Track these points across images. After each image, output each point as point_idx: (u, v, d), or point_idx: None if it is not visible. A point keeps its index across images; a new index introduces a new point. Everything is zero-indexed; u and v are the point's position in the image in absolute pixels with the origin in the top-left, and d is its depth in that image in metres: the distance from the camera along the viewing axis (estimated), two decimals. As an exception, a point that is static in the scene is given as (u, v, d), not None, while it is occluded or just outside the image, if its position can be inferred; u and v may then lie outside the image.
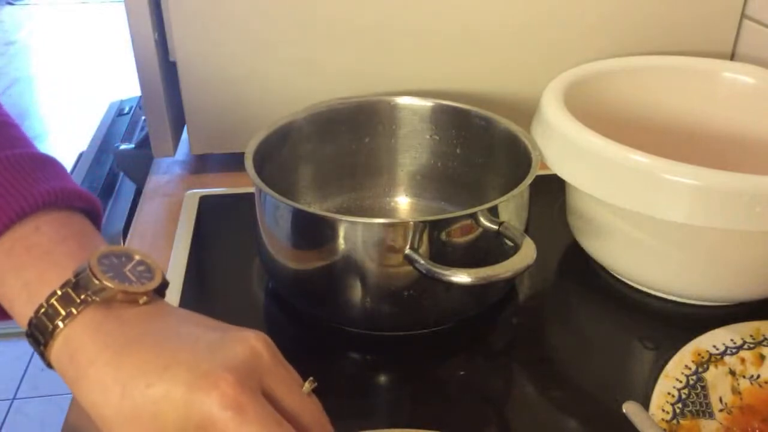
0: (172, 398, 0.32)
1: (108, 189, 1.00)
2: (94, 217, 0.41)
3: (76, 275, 0.35)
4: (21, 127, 0.43)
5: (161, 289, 0.38)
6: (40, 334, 0.35)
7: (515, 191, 0.52)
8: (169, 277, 0.60)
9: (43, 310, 0.35)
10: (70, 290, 0.35)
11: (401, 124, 0.67)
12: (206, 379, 0.32)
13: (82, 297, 0.34)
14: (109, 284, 0.35)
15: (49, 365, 0.36)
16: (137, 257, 0.37)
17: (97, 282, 0.34)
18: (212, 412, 0.32)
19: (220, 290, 0.60)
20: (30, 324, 0.35)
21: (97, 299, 0.35)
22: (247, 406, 0.32)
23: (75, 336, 0.34)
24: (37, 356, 0.37)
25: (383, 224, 0.50)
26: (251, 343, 0.35)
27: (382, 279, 0.51)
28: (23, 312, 0.36)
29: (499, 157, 0.63)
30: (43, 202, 0.37)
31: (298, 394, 0.36)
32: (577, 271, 0.62)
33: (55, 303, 0.35)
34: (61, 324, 0.34)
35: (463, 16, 0.72)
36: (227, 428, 0.32)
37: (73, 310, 0.34)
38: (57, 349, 0.35)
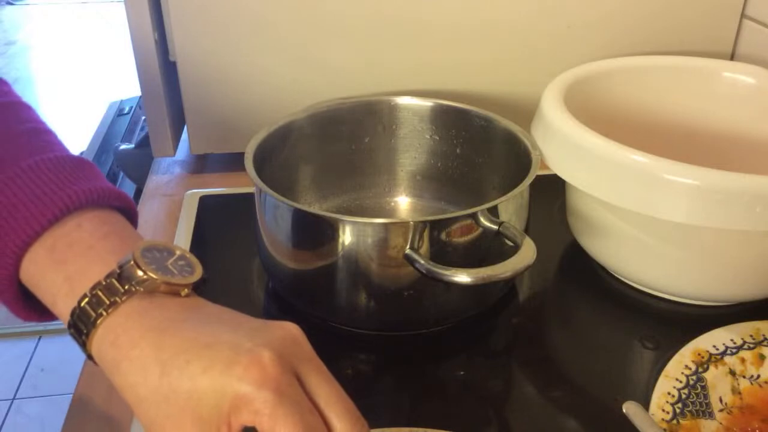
0: (210, 374, 0.32)
1: (108, 189, 1.00)
2: (130, 216, 0.42)
3: (120, 266, 0.36)
4: (49, 127, 0.44)
5: (200, 284, 0.38)
6: (82, 324, 0.35)
7: (515, 191, 0.52)
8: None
9: (86, 299, 0.35)
10: (114, 280, 0.35)
11: (401, 124, 0.67)
12: (248, 356, 0.32)
13: (126, 287, 0.35)
14: (152, 275, 0.35)
15: (89, 355, 0.36)
16: (178, 252, 0.38)
17: (141, 273, 0.35)
18: (248, 391, 0.32)
19: (220, 290, 0.60)
20: (73, 314, 0.36)
21: (141, 289, 0.35)
22: (286, 388, 0.32)
23: (118, 323, 0.35)
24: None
25: (383, 224, 0.50)
26: (292, 331, 0.36)
27: (382, 279, 0.51)
28: (66, 303, 0.36)
29: (499, 158, 0.63)
30: (84, 200, 0.38)
31: (334, 385, 0.35)
32: (577, 271, 0.62)
33: (99, 293, 0.35)
34: (104, 313, 0.35)
35: (463, 16, 0.72)
36: (262, 409, 0.31)
37: (117, 300, 0.35)
38: (99, 336, 0.35)
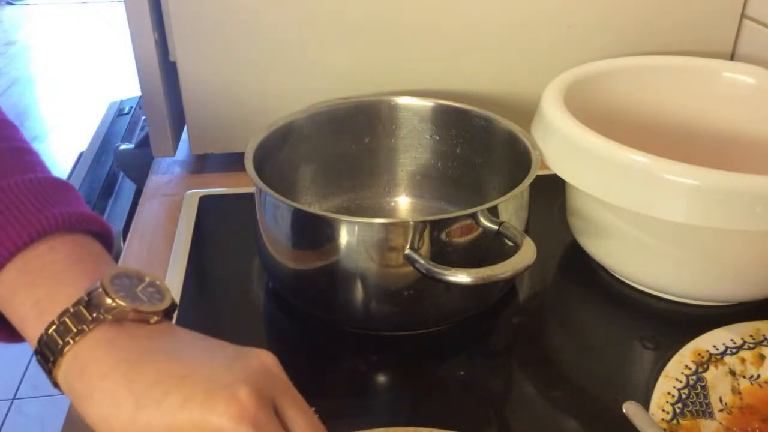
0: (189, 407, 0.32)
1: (108, 189, 1.00)
2: (106, 242, 0.41)
3: (89, 294, 0.35)
4: (33, 147, 0.44)
5: (170, 311, 0.38)
6: (49, 351, 0.35)
7: (515, 191, 0.52)
8: (169, 277, 0.60)
9: (54, 327, 0.35)
10: (82, 308, 0.35)
11: (401, 124, 0.67)
12: (226, 390, 0.32)
13: (94, 315, 0.35)
14: (121, 303, 0.35)
15: (55, 384, 0.36)
16: (148, 278, 0.38)
17: (109, 300, 0.35)
18: (228, 427, 0.32)
19: (220, 290, 0.60)
20: (40, 341, 0.35)
21: (109, 317, 0.35)
22: (264, 424, 0.32)
23: (86, 352, 0.34)
24: None
25: (383, 224, 0.50)
26: (267, 362, 0.36)
27: (382, 279, 0.51)
28: (34, 328, 0.35)
29: (499, 157, 0.63)
30: (60, 223, 0.38)
31: (310, 415, 0.36)
32: (577, 271, 0.62)
33: (67, 320, 0.35)
34: (71, 341, 0.34)
35: (463, 16, 0.72)
36: None
37: (85, 328, 0.34)
38: (66, 365, 0.35)
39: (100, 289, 0.35)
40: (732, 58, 0.78)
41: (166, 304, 0.37)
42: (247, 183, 0.54)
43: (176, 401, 0.32)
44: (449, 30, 0.72)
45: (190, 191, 0.73)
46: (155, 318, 0.36)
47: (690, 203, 0.49)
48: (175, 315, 0.54)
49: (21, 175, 0.39)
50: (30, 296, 0.36)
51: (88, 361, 0.34)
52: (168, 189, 0.76)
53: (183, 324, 0.55)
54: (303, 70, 0.73)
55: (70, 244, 0.38)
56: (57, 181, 0.41)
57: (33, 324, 0.36)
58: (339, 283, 0.52)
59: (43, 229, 0.37)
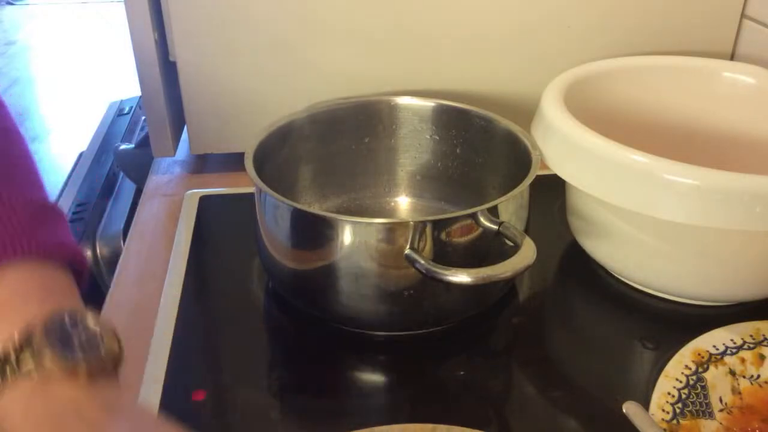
0: None
1: (108, 189, 1.00)
2: (79, 273, 0.39)
3: (15, 341, 0.33)
4: (30, 164, 0.42)
5: (116, 362, 0.35)
6: None
7: (515, 191, 0.52)
8: (169, 277, 0.60)
9: None
10: (11, 355, 0.33)
11: (401, 124, 0.67)
12: None
13: (19, 367, 0.33)
14: (47, 361, 0.32)
15: None
16: (90, 322, 0.35)
17: (35, 356, 0.33)
18: None
19: (220, 290, 0.60)
20: None
21: (35, 372, 0.32)
22: None
23: (4, 407, 0.33)
24: None
25: (383, 224, 0.50)
26: None
27: (382, 279, 0.51)
28: None
29: (499, 157, 0.63)
30: (12, 253, 0.36)
31: None
32: (577, 271, 0.62)
33: None
34: None
35: (463, 16, 0.72)
36: None
37: (9, 378, 0.33)
38: None
39: (29, 337, 0.33)
40: (732, 58, 0.78)
41: (98, 357, 0.34)
42: (247, 183, 0.54)
43: None
44: (449, 30, 0.72)
45: (190, 191, 0.73)
46: (83, 376, 0.33)
47: (690, 203, 0.49)
48: (174, 323, 0.54)
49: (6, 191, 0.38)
50: None
51: (4, 415, 0.32)
52: (168, 189, 0.76)
53: (183, 323, 0.55)
54: (303, 70, 0.73)
55: (23, 275, 0.36)
56: (34, 203, 0.39)
57: None
58: (339, 283, 0.52)
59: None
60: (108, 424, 0.33)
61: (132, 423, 0.34)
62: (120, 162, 0.99)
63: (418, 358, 0.53)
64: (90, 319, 0.35)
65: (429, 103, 0.66)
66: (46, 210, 0.39)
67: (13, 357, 0.33)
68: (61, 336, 0.34)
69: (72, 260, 0.39)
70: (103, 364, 0.34)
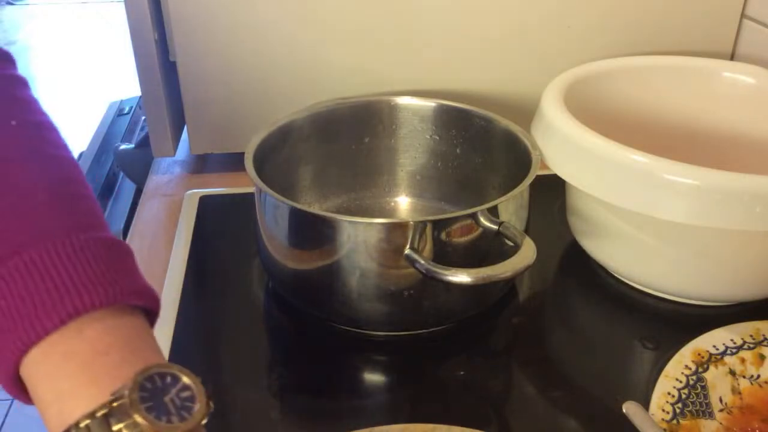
0: None
1: (108, 189, 1.00)
2: (152, 313, 0.38)
3: (112, 401, 0.32)
4: (94, 198, 0.40)
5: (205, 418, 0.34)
6: None
7: (515, 191, 0.52)
8: (169, 277, 0.60)
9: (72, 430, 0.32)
10: (103, 417, 0.32)
11: (401, 124, 0.67)
12: None
13: (116, 427, 0.31)
14: (142, 422, 0.31)
15: None
16: (184, 380, 0.34)
17: (133, 414, 0.31)
18: None
19: (220, 290, 0.60)
20: None
21: None
22: None
23: None
24: None
25: (383, 224, 0.50)
26: None
27: (382, 279, 0.51)
28: (53, 424, 0.33)
29: (499, 157, 0.63)
30: (92, 305, 0.34)
31: None
32: (577, 271, 0.62)
33: (87, 428, 0.32)
34: None
35: (463, 17, 0.72)
36: None
37: None
38: None
39: (126, 400, 0.31)
40: (732, 58, 0.78)
41: (194, 421, 0.33)
42: (247, 183, 0.54)
43: None
44: (449, 30, 0.72)
45: (190, 191, 0.73)
46: None
47: (690, 203, 0.49)
48: (174, 323, 0.54)
49: (67, 236, 0.35)
50: (52, 388, 0.33)
51: None
52: (168, 189, 0.76)
53: (183, 323, 0.55)
54: (303, 70, 0.73)
55: (101, 327, 0.34)
56: (106, 242, 0.36)
57: (53, 419, 0.33)
58: (339, 283, 0.52)
59: (75, 311, 0.34)
60: None
61: None
62: (120, 162, 0.99)
63: (418, 358, 0.53)
64: (183, 375, 0.34)
65: (429, 103, 0.66)
66: (119, 248, 0.37)
67: (106, 419, 0.32)
68: (154, 398, 0.32)
69: (147, 304, 0.37)
70: (197, 425, 0.33)
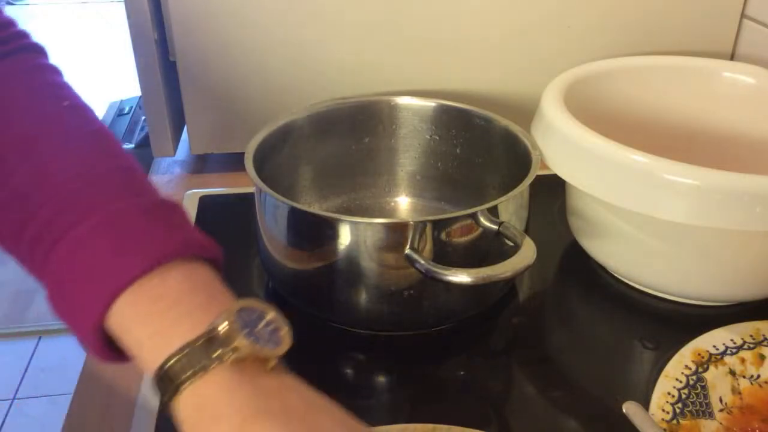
0: None
1: (108, 189, 0.99)
2: (217, 265, 0.40)
3: (212, 329, 0.34)
4: (138, 164, 0.42)
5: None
6: (169, 383, 0.34)
7: (515, 191, 0.52)
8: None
9: (173, 360, 0.33)
10: (204, 344, 0.34)
11: (401, 124, 0.67)
12: None
13: (217, 353, 0.33)
14: (245, 344, 0.34)
15: (171, 411, 0.35)
16: (270, 314, 0.36)
17: (234, 340, 0.33)
18: None
19: (220, 290, 0.60)
20: (158, 373, 0.34)
21: (231, 358, 0.33)
22: None
23: (205, 392, 0.33)
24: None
25: (383, 224, 0.50)
26: None
27: (382, 279, 0.51)
28: (152, 359, 0.34)
29: (499, 158, 0.63)
30: (172, 253, 0.36)
31: None
32: (577, 271, 0.62)
33: (188, 355, 0.33)
34: (191, 378, 0.33)
35: (463, 17, 0.72)
36: None
37: (207, 365, 0.33)
38: (184, 399, 0.34)
39: (227, 326, 0.34)
40: (732, 58, 0.78)
41: (285, 347, 0.35)
42: (247, 183, 0.54)
43: None
44: (449, 30, 0.72)
45: (190, 191, 0.73)
46: (272, 362, 0.35)
47: (690, 203, 0.49)
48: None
49: (133, 198, 0.38)
50: (146, 328, 0.35)
51: (206, 404, 0.33)
52: (168, 189, 0.76)
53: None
54: (303, 70, 0.73)
55: (181, 275, 0.36)
56: (166, 205, 0.39)
57: (150, 355, 0.34)
58: (339, 283, 0.52)
59: (153, 262, 0.36)
60: (310, 413, 0.34)
61: (328, 416, 0.35)
62: (120, 162, 0.99)
63: (418, 358, 0.53)
64: (268, 311, 0.37)
65: (429, 103, 0.66)
66: (170, 207, 0.39)
67: (206, 344, 0.34)
68: (250, 326, 0.35)
69: (209, 255, 0.39)
70: (282, 355, 0.36)
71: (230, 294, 0.38)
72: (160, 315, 0.35)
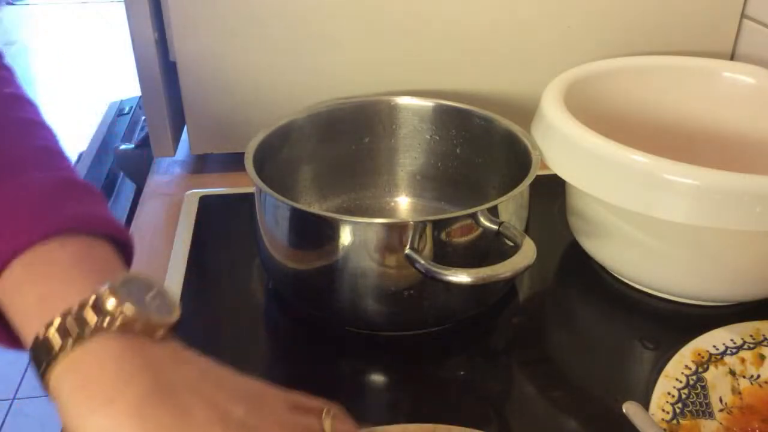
0: None
1: (108, 189, 1.00)
2: (125, 248, 0.38)
3: (96, 294, 0.32)
4: (66, 156, 0.42)
5: (175, 326, 0.35)
6: (44, 353, 0.31)
7: (515, 191, 0.52)
8: (169, 277, 0.60)
9: (52, 327, 0.31)
10: (88, 309, 0.32)
11: (401, 125, 0.67)
12: None
13: (99, 320, 0.31)
14: (130, 309, 0.32)
15: (46, 388, 0.32)
16: (157, 287, 0.35)
17: (117, 305, 0.32)
18: None
19: (220, 290, 0.60)
20: (36, 340, 0.32)
21: (116, 324, 0.31)
22: None
23: (89, 363, 0.31)
24: None
25: (383, 224, 0.50)
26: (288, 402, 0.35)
27: (382, 279, 0.51)
28: (33, 327, 0.32)
29: (499, 158, 0.63)
30: (73, 222, 0.35)
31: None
32: (577, 271, 0.62)
33: (68, 321, 0.31)
34: (69, 345, 0.31)
35: (463, 17, 0.72)
36: None
37: (87, 331, 0.31)
38: (61, 371, 0.31)
39: (108, 291, 0.32)
40: (732, 58, 0.78)
41: (174, 317, 0.34)
42: (247, 183, 0.54)
43: None
44: (449, 30, 0.72)
45: (190, 191, 0.73)
46: (161, 332, 0.33)
47: (690, 203, 0.49)
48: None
49: (43, 172, 0.38)
50: (33, 292, 0.33)
51: (91, 375, 0.31)
52: (168, 189, 0.76)
53: (183, 323, 0.55)
54: (303, 70, 0.73)
55: (81, 244, 0.35)
56: (82, 184, 0.39)
57: (32, 321, 0.33)
58: (339, 283, 0.52)
59: (57, 226, 0.35)
60: (206, 386, 0.33)
61: (221, 384, 0.34)
62: (120, 162, 0.99)
63: (418, 358, 0.53)
64: (155, 283, 0.35)
65: (429, 103, 0.66)
66: (82, 186, 0.39)
67: (91, 310, 0.32)
68: (136, 296, 0.33)
69: (116, 235, 0.38)
70: (173, 325, 0.34)
71: (124, 270, 0.37)
72: (49, 279, 0.34)
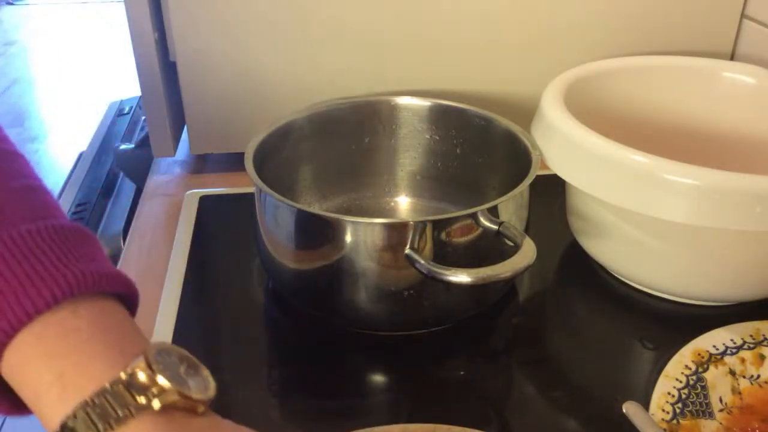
0: None
1: (108, 189, 1.00)
2: (130, 303, 0.36)
3: (130, 370, 0.29)
4: (49, 191, 0.37)
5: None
6: None
7: (515, 191, 0.52)
8: (169, 277, 0.60)
9: (86, 408, 0.29)
10: (122, 388, 0.29)
11: (401, 124, 0.67)
12: None
13: (139, 398, 0.29)
14: (169, 387, 0.29)
15: None
16: (190, 358, 0.32)
17: (156, 382, 0.29)
18: None
19: (220, 290, 0.60)
20: (65, 425, 0.29)
21: (156, 403, 0.29)
22: None
23: None
24: None
25: (383, 224, 0.50)
26: None
27: (382, 279, 0.51)
28: (53, 408, 0.29)
29: (499, 158, 0.63)
30: (85, 284, 0.32)
31: None
32: (577, 271, 0.62)
33: (103, 403, 0.29)
34: (111, 429, 0.28)
35: (463, 17, 0.72)
36: None
37: (129, 413, 0.29)
38: None
39: (144, 366, 0.29)
40: (732, 58, 0.78)
41: (212, 391, 0.32)
42: (247, 183, 0.54)
43: None
44: (449, 30, 0.72)
45: (190, 191, 0.73)
46: (202, 408, 0.31)
47: (690, 203, 0.49)
48: (174, 323, 0.55)
49: (38, 220, 0.33)
50: (50, 368, 0.30)
51: None
52: (168, 189, 0.76)
53: (183, 323, 0.55)
54: (303, 70, 0.73)
55: (94, 309, 0.32)
56: (78, 230, 0.34)
57: (54, 402, 0.29)
58: (339, 283, 0.52)
59: (64, 291, 0.31)
60: None
61: None
62: (120, 162, 0.99)
63: (418, 358, 0.53)
64: (187, 355, 0.33)
65: (428, 103, 0.66)
66: (83, 234, 0.35)
67: (125, 389, 0.29)
68: (172, 369, 0.31)
69: (124, 291, 0.35)
70: (210, 400, 0.32)
71: (143, 336, 0.34)
72: (67, 353, 0.30)
